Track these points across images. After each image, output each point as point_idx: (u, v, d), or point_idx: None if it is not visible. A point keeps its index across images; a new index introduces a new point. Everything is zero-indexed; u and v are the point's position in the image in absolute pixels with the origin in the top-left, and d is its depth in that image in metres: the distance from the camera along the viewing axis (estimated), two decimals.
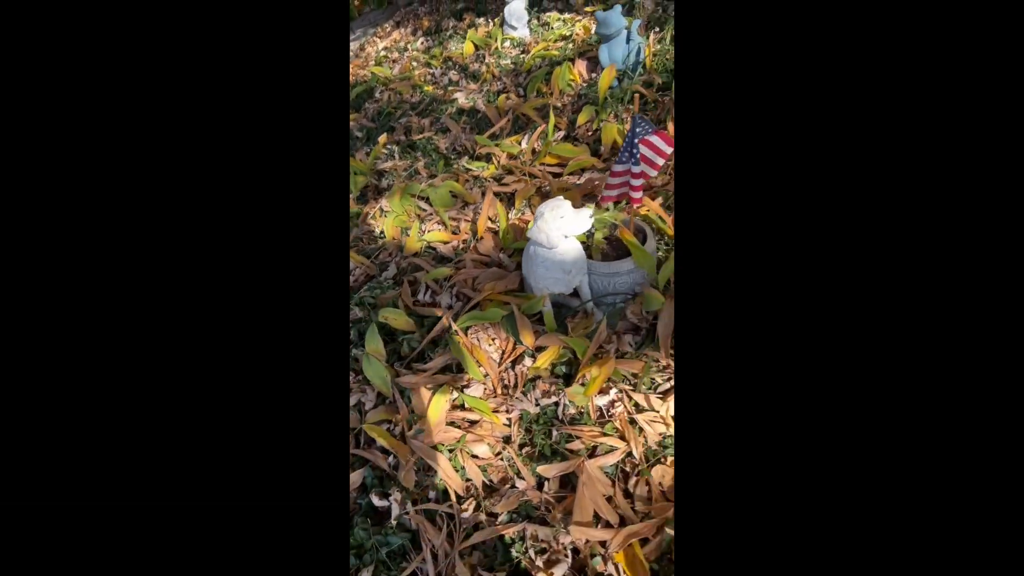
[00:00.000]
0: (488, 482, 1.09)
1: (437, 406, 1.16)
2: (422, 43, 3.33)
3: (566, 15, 2.89)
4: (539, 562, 0.94)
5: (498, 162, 1.95)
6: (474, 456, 1.12)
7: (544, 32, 2.83)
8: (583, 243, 1.27)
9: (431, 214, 1.80)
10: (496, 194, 1.81)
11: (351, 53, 3.55)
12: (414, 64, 3.06)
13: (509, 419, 1.17)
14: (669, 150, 1.21)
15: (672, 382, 1.14)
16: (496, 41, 2.86)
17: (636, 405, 1.13)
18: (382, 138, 2.31)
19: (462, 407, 1.19)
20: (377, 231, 1.82)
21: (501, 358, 1.27)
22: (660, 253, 1.40)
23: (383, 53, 3.38)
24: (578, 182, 1.73)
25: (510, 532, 0.98)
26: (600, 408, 1.14)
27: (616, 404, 1.14)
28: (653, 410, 1.11)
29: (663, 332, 1.19)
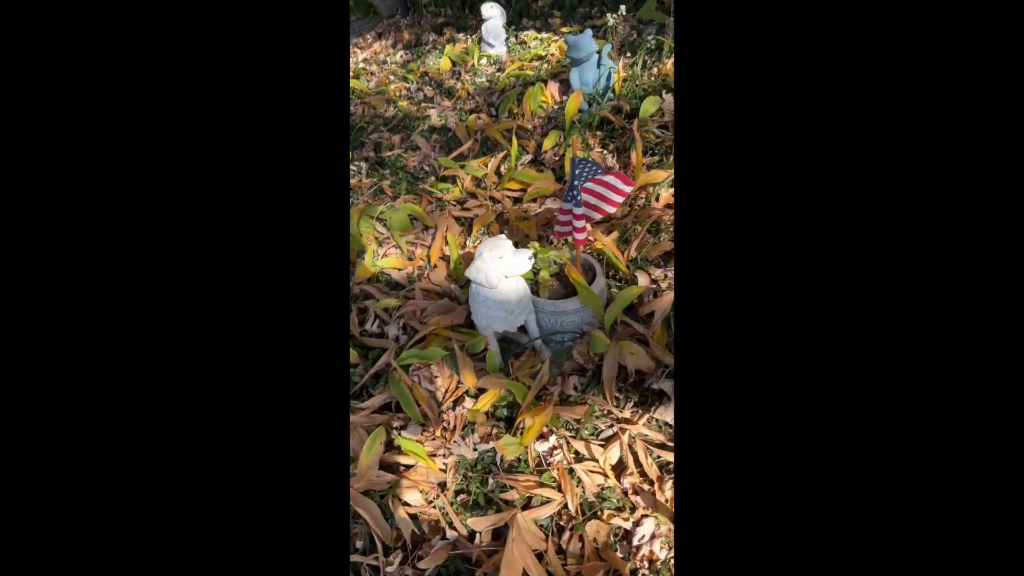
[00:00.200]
0: (418, 532, 1.04)
1: (370, 449, 1.11)
2: (401, 56, 3.30)
3: (544, 34, 2.88)
4: None
5: (462, 185, 1.92)
6: (405, 504, 1.07)
7: (521, 51, 2.81)
8: (530, 280, 1.24)
9: (388, 237, 1.75)
10: (457, 218, 1.77)
11: None
12: (391, 78, 3.03)
13: (446, 464, 1.12)
14: (628, 189, 1.18)
15: (613, 428, 1.10)
16: (473, 58, 2.84)
17: (576, 453, 1.09)
18: (351, 155, 2.27)
19: (398, 449, 1.14)
20: None
21: (443, 397, 1.22)
22: (614, 288, 1.36)
23: (361, 65, 3.34)
24: (537, 210, 1.70)
25: None
26: (539, 455, 1.10)
27: (556, 451, 1.10)
28: (593, 459, 1.07)
29: (607, 375, 1.15)
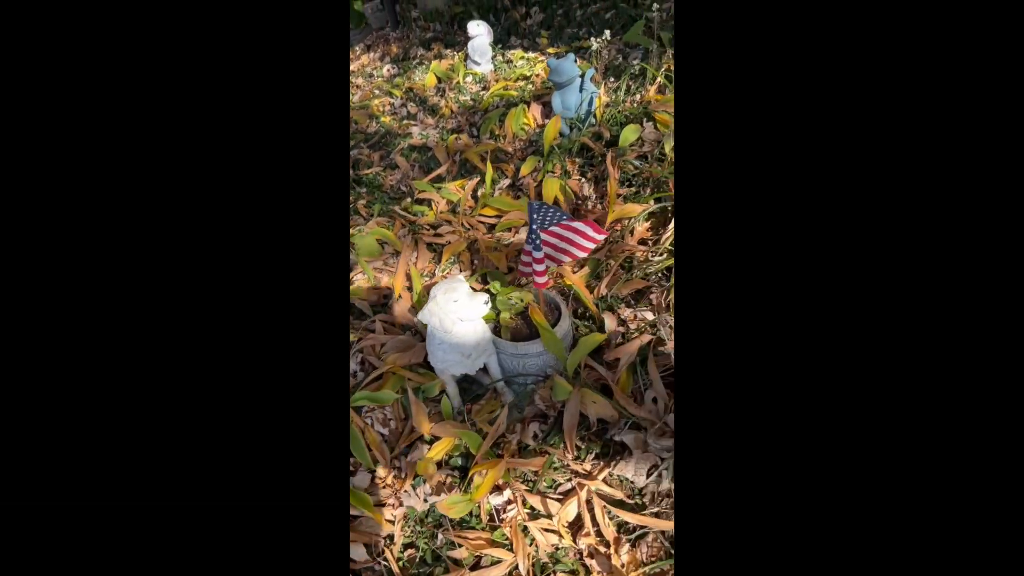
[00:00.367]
0: None
1: None
2: (388, 70, 3.26)
3: (530, 54, 2.85)
4: None
5: (437, 209, 1.87)
6: (350, 560, 1.01)
7: (507, 69, 2.78)
8: (491, 320, 1.18)
9: (355, 263, 1.70)
10: (429, 244, 1.72)
11: None
12: (375, 92, 2.98)
13: (394, 516, 1.06)
14: (600, 238, 1.13)
15: (571, 482, 1.05)
16: (458, 75, 2.80)
17: (531, 509, 1.03)
18: None
19: None
20: None
21: (397, 441, 1.16)
22: (582, 327, 1.31)
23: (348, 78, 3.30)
24: (510, 239, 1.65)
25: None
26: (493, 509, 1.04)
27: (510, 506, 1.04)
28: (548, 516, 1.01)
29: (568, 424, 1.09)
